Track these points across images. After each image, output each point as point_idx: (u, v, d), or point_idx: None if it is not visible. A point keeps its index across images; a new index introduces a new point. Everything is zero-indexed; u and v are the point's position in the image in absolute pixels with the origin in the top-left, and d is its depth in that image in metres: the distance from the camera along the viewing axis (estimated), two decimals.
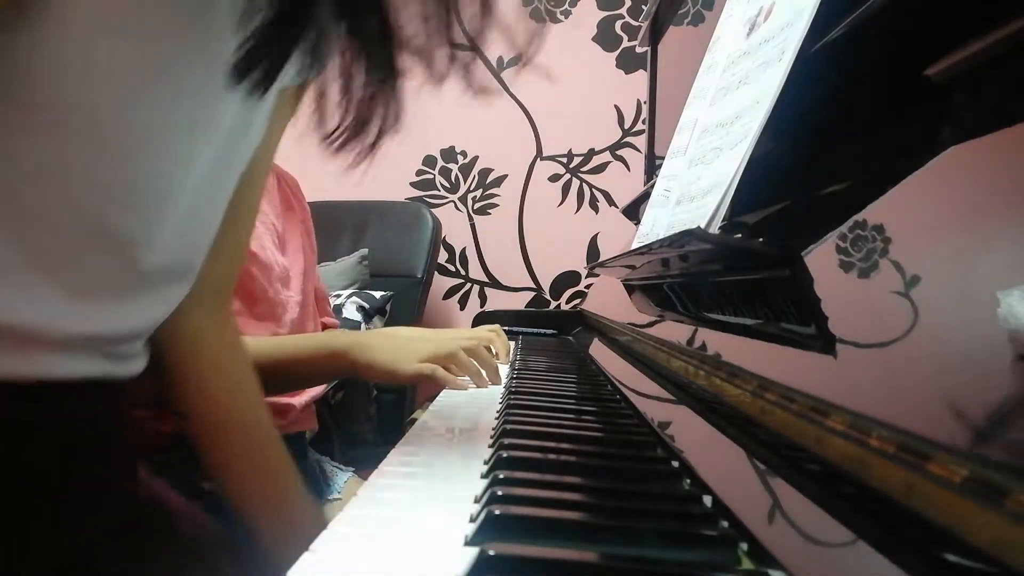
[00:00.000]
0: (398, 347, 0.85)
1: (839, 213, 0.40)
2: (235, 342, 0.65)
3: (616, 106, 2.35)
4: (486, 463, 0.48)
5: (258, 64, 0.39)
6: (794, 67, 0.51)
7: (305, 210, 1.07)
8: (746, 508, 0.36)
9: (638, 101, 2.32)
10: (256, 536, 0.61)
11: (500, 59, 2.36)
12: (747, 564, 0.32)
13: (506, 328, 1.12)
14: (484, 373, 0.87)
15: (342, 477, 1.02)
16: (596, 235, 2.37)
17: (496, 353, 0.99)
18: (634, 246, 0.81)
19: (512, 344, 1.21)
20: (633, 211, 1.40)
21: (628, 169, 2.36)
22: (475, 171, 2.40)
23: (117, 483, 0.54)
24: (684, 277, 0.73)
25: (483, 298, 2.41)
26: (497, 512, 0.35)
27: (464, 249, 2.41)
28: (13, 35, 0.35)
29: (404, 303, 2.05)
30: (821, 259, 0.41)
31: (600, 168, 2.37)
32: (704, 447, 0.48)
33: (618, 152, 2.37)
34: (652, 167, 1.63)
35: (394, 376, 0.83)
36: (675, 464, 0.48)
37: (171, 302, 0.52)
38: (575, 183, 2.38)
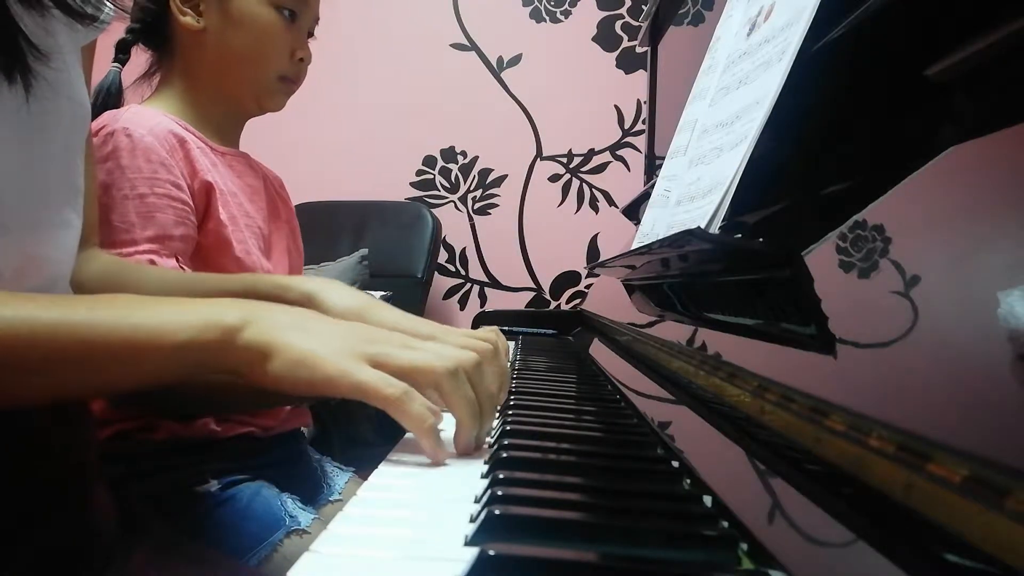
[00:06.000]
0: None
1: (839, 213, 0.40)
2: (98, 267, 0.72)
3: (616, 106, 2.35)
4: (486, 463, 0.48)
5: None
6: (794, 67, 0.51)
7: (290, 211, 1.06)
8: (746, 508, 0.36)
9: (638, 101, 2.32)
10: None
11: (500, 59, 2.36)
12: (747, 564, 0.32)
13: (506, 328, 1.12)
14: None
15: (343, 478, 1.02)
16: (596, 235, 2.37)
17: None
18: (634, 246, 0.81)
19: (512, 344, 1.21)
20: (633, 211, 1.40)
21: (628, 169, 2.36)
22: (475, 171, 2.40)
23: (72, 495, 0.55)
24: (684, 277, 0.73)
25: (483, 298, 2.42)
26: (497, 512, 0.35)
27: (464, 249, 2.41)
28: None
29: (404, 303, 2.04)
30: (821, 259, 0.41)
31: (600, 168, 2.38)
32: (704, 447, 0.48)
33: (618, 152, 2.37)
34: (652, 167, 1.63)
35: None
36: (675, 464, 0.48)
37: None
38: (575, 183, 2.38)
